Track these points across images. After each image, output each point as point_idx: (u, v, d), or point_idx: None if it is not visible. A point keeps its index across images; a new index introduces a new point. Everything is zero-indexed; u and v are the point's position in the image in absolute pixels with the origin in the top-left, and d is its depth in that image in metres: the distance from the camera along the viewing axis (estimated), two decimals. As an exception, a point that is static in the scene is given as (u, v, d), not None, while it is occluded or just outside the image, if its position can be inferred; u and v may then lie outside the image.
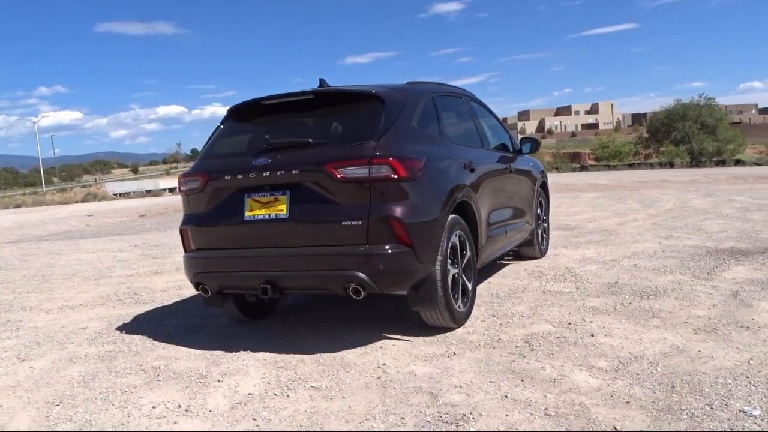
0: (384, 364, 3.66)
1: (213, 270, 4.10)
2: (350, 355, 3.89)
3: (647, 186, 18.03)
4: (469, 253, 4.42)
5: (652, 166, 36.44)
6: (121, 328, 4.94)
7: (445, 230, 4.04)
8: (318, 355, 3.93)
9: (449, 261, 4.10)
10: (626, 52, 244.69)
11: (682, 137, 51.88)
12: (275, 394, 3.34)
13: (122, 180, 79.04)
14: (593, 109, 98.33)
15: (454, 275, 4.19)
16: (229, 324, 4.86)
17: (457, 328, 4.26)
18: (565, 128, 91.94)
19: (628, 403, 2.92)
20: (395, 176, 3.71)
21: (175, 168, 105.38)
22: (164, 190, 47.08)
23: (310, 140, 3.93)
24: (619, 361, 3.46)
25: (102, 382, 3.72)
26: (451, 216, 4.13)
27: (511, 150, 6.11)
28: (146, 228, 14.54)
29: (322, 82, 4.51)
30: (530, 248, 6.58)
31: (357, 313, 4.87)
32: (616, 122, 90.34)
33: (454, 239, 4.17)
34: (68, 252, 10.58)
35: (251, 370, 3.72)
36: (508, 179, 5.61)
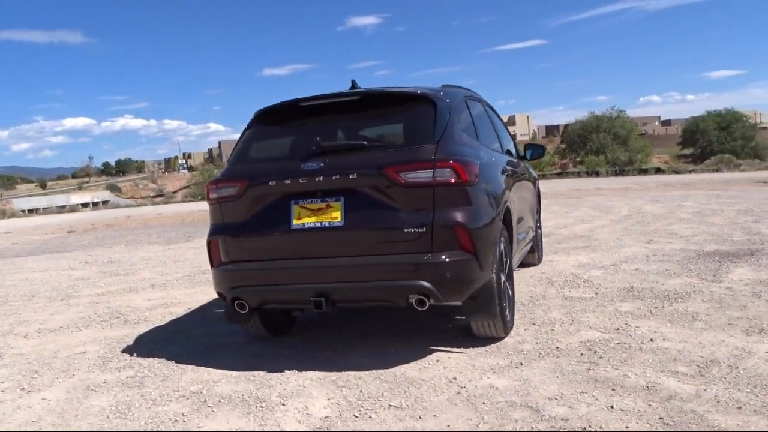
0: (455, 378, 3.47)
1: (254, 283, 3.78)
2: (409, 370, 3.67)
3: (587, 194, 18.61)
4: (508, 260, 4.30)
5: (579, 174, 37.78)
6: (128, 351, 4.50)
7: (498, 236, 3.90)
8: (373, 371, 3.68)
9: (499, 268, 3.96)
10: (535, 67, 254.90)
11: (597, 148, 54.32)
12: (355, 416, 3.08)
13: (30, 196, 74.51)
14: (510, 121, 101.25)
15: (503, 283, 4.05)
16: (249, 342, 4.52)
17: (505, 337, 4.12)
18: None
19: (740, 408, 2.85)
20: (459, 180, 3.55)
21: (87, 182, 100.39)
22: (80, 205, 44.74)
23: (365, 143, 3.70)
24: (698, 366, 3.41)
25: (142, 412, 3.34)
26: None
27: (515, 156, 6.07)
28: (86, 245, 13.65)
29: (354, 84, 4.29)
30: (531, 255, 6.54)
31: (383, 326, 4.65)
32: (532, 133, 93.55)
33: (501, 246, 4.04)
34: (10, 272, 9.74)
35: (312, 391, 3.43)
36: (522, 185, 5.55)
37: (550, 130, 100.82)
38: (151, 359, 4.25)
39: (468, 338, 4.17)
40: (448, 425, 2.90)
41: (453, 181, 3.53)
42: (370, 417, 3.05)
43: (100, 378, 3.95)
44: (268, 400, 3.34)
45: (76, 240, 15.13)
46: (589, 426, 2.75)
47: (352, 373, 3.66)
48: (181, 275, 7.89)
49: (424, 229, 3.51)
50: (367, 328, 4.64)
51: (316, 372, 3.73)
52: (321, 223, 3.63)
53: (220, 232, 3.93)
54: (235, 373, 3.83)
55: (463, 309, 3.85)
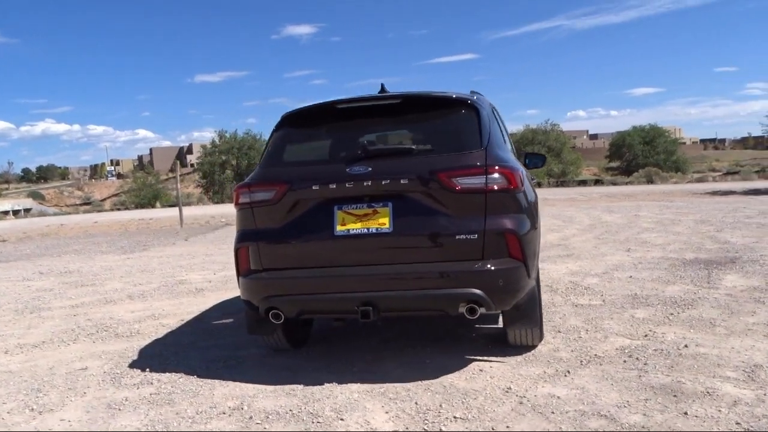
0: (509, 388, 3.39)
1: (293, 292, 3.60)
2: (456, 380, 3.57)
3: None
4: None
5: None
6: (137, 366, 4.22)
7: (538, 243, 3.87)
8: (419, 382, 3.57)
9: None
10: (470, 80, 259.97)
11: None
12: (425, 429, 2.96)
13: (-58, 202, 69.89)
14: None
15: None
16: (267, 354, 4.32)
17: (537, 345, 4.09)
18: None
19: (810, 411, 2.89)
20: (508, 187, 3.50)
21: (6, 189, 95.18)
22: (5, 212, 42.38)
23: (414, 147, 3.59)
24: (743, 371, 3.46)
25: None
26: None
27: (520, 164, 6.08)
28: (29, 254, 12.87)
29: (383, 87, 4.19)
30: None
31: (402, 336, 4.54)
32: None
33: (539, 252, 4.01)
34: (-44, 282, 9.04)
35: (365, 404, 3.29)
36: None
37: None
38: (168, 374, 3.99)
39: (499, 346, 4.13)
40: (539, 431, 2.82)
41: (504, 187, 3.48)
42: (440, 430, 2.94)
43: (118, 395, 3.67)
44: (323, 415, 3.17)
45: (15, 249, 14.25)
46: (675, 433, 2.73)
47: (398, 385, 3.53)
48: (156, 285, 7.52)
49: (476, 236, 3.43)
50: (387, 338, 4.51)
51: (358, 384, 3.59)
52: (368, 229, 3.50)
53: (252, 239, 3.73)
54: (269, 387, 3.63)
55: (505, 317, 3.79)
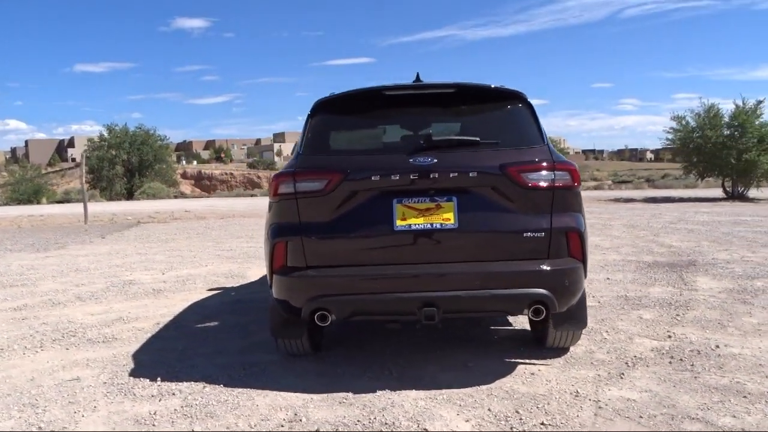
0: (577, 393, 3.29)
1: (347, 292, 3.31)
2: (515, 385, 3.43)
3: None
4: None
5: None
6: (144, 375, 3.76)
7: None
8: (478, 388, 3.40)
9: None
10: (365, 83, 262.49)
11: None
12: (520, 438, 2.79)
13: None
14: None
15: None
16: (286, 359, 3.98)
17: (571, 347, 4.02)
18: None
19: None
20: (572, 184, 3.41)
21: None
22: None
23: (479, 139, 3.41)
24: (788, 369, 3.55)
25: (247, 448, 2.76)
26: None
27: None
28: None
29: (418, 77, 3.98)
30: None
31: (416, 339, 4.33)
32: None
33: None
34: None
35: (438, 412, 3.07)
36: None
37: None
38: (187, 384, 3.58)
39: (527, 347, 4.07)
40: (633, 441, 2.72)
41: (568, 185, 3.39)
42: (536, 438, 2.77)
43: (141, 409, 3.24)
44: (399, 424, 2.92)
45: None
46: (780, 434, 2.72)
47: (458, 391, 3.34)
48: (103, 286, 6.84)
49: (543, 235, 3.31)
50: (402, 341, 4.27)
51: (415, 391, 3.36)
52: (431, 224, 3.28)
53: (293, 233, 3.40)
54: (316, 396, 3.33)
55: (554, 319, 3.67)
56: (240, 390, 3.45)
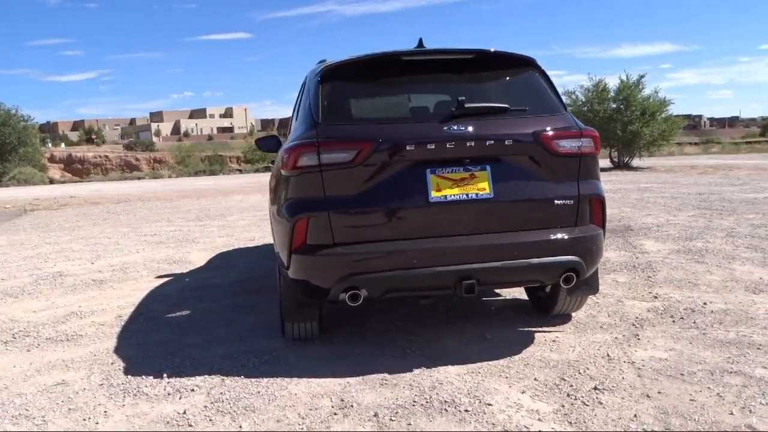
0: (608, 356, 3.35)
1: (382, 268, 3.14)
2: (545, 353, 3.45)
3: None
4: None
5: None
6: (145, 372, 3.42)
7: None
8: (511, 359, 3.38)
9: None
10: (242, 60, 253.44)
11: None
12: (584, 403, 2.79)
13: None
14: (228, 113, 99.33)
15: None
16: (292, 345, 3.76)
17: (573, 313, 4.10)
18: (201, 131, 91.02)
19: None
20: (594, 151, 3.43)
21: None
22: None
23: (508, 106, 3.33)
24: (780, 320, 3.80)
25: (310, 441, 2.57)
26: None
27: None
28: None
29: (421, 42, 3.85)
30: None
31: (416, 313, 4.27)
32: (250, 126, 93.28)
33: None
34: None
35: (489, 385, 3.01)
36: None
37: (266, 123, 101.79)
38: (201, 378, 3.30)
39: (533, 316, 4.12)
40: (691, 398, 2.79)
41: (591, 151, 3.41)
42: (600, 402, 2.79)
43: (164, 409, 2.94)
44: (459, 401, 2.83)
45: None
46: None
47: (492, 363, 3.31)
48: (28, 280, 6.17)
49: (572, 202, 3.32)
50: (399, 318, 4.17)
51: (450, 367, 3.29)
52: (467, 195, 3.19)
53: (317, 208, 3.18)
54: (352, 380, 3.17)
55: (560, 286, 3.69)
56: (266, 380, 3.21)
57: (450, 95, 3.46)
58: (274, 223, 3.58)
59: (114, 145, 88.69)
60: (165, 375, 3.35)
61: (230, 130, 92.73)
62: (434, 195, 3.16)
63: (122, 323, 4.47)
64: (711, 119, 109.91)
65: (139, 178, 34.05)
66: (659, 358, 3.28)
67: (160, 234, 9.17)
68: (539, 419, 2.66)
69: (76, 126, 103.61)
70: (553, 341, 3.61)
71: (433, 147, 3.15)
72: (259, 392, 3.05)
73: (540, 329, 3.83)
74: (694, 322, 3.82)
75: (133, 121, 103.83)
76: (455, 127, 3.18)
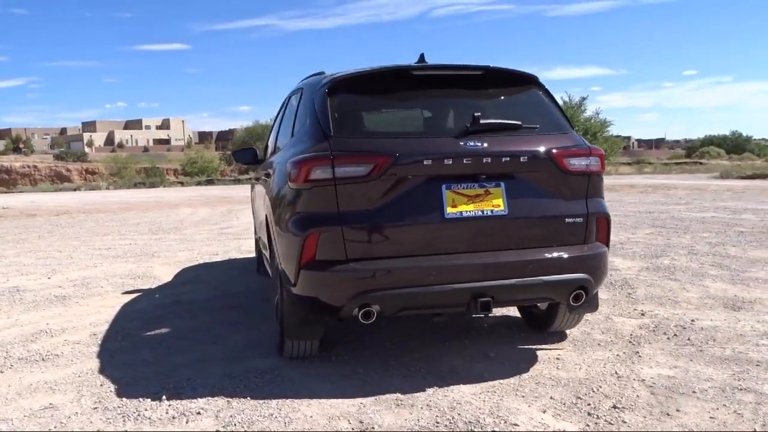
0: (617, 374, 3.38)
1: (398, 285, 3.07)
2: (552, 371, 3.44)
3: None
4: None
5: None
6: (141, 395, 3.23)
7: None
8: (520, 377, 3.37)
9: None
10: (180, 71, 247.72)
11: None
12: (608, 422, 2.79)
13: None
14: (165, 125, 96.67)
15: None
16: (291, 364, 3.63)
17: (569, 330, 4.13)
18: (137, 142, 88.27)
19: None
20: (601, 170, 3.48)
21: None
22: None
23: (521, 123, 3.33)
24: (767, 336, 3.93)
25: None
26: None
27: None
28: None
29: (422, 57, 3.83)
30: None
31: (409, 330, 4.21)
32: (188, 139, 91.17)
33: None
34: None
35: (511, 405, 2.97)
36: None
37: (204, 136, 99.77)
38: (204, 400, 3.14)
39: (528, 333, 4.13)
40: (711, 416, 2.83)
41: (598, 170, 3.45)
42: (623, 421, 2.79)
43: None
44: (485, 422, 2.78)
45: None
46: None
47: (505, 382, 3.29)
48: (-17, 295, 5.79)
49: (581, 220, 3.34)
50: (392, 337, 4.10)
51: (463, 386, 3.24)
52: (482, 211, 3.16)
53: (329, 223, 3.09)
54: (364, 400, 3.08)
55: (569, 303, 3.72)
56: (275, 401, 3.08)
57: (462, 111, 3.44)
58: (277, 238, 3.45)
59: (43, 155, 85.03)
60: (164, 397, 3.17)
61: (167, 141, 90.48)
62: (450, 211, 3.13)
63: (99, 341, 4.24)
64: (639, 140, 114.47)
65: (75, 189, 32.71)
66: (667, 375, 3.32)
67: (115, 248, 8.80)
68: (571, 439, 2.63)
69: (2, 134, 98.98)
70: (557, 359, 3.61)
71: (450, 162, 3.12)
72: (271, 414, 2.92)
73: (539, 346, 3.83)
74: (689, 339, 3.90)
75: (64, 131, 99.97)
76: (471, 143, 3.16)
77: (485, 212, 3.16)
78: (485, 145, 3.17)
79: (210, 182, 36.14)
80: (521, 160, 3.21)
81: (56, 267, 7.26)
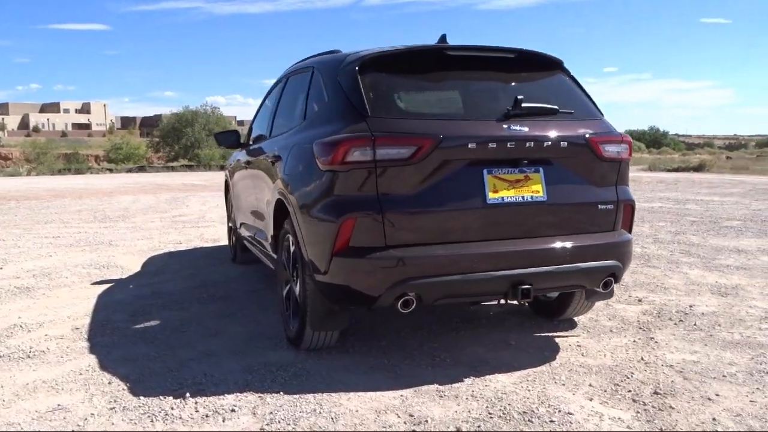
0: (642, 359, 3.40)
1: (440, 273, 2.96)
2: (580, 358, 3.44)
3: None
4: None
5: (193, 168, 37.02)
6: (161, 393, 3.00)
7: None
8: (550, 365, 3.34)
9: None
10: (99, 53, 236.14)
11: (192, 143, 54.26)
12: (658, 408, 2.79)
13: None
14: (85, 109, 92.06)
15: None
16: (308, 356, 3.47)
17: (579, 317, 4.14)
18: (54, 126, 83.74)
19: None
20: (629, 157, 3.48)
21: None
22: None
23: (558, 108, 3.28)
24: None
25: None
26: None
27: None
28: None
29: (444, 37, 3.72)
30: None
31: (415, 321, 4.11)
32: (110, 124, 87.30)
33: None
34: None
35: (557, 393, 2.92)
36: None
37: (127, 121, 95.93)
38: (233, 396, 2.95)
39: (537, 320, 4.12)
40: (750, 399, 2.87)
41: (627, 157, 3.45)
42: (671, 407, 2.80)
43: (213, 434, 2.57)
44: (539, 412, 2.73)
45: None
46: None
47: (537, 370, 3.26)
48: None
49: (612, 206, 3.34)
50: (406, 324, 3.99)
51: (498, 375, 3.18)
52: (522, 197, 3.09)
53: (368, 208, 2.95)
54: (404, 392, 2.97)
55: (588, 291, 3.71)
56: (311, 396, 2.93)
57: (498, 93, 3.36)
58: (302, 225, 3.27)
59: (-50, 138, 79.59)
60: (188, 394, 2.95)
61: (87, 126, 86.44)
62: (492, 196, 3.04)
63: (85, 336, 3.94)
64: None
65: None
66: (691, 360, 3.37)
67: (64, 236, 8.26)
68: (628, 427, 2.61)
69: None
70: (578, 346, 3.61)
71: (494, 146, 3.03)
72: (315, 410, 2.77)
73: (555, 334, 3.82)
74: (695, 324, 3.98)
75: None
76: (514, 127, 3.08)
77: (525, 198, 3.10)
78: (527, 129, 3.10)
79: (142, 169, 34.75)
80: (561, 145, 3.16)
81: (5, 256, 6.73)
